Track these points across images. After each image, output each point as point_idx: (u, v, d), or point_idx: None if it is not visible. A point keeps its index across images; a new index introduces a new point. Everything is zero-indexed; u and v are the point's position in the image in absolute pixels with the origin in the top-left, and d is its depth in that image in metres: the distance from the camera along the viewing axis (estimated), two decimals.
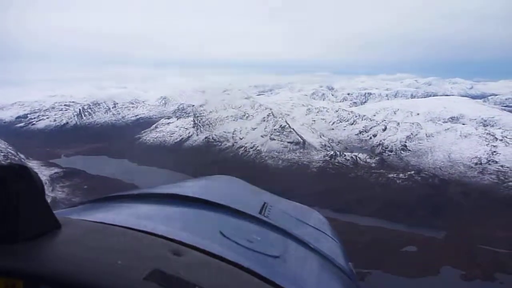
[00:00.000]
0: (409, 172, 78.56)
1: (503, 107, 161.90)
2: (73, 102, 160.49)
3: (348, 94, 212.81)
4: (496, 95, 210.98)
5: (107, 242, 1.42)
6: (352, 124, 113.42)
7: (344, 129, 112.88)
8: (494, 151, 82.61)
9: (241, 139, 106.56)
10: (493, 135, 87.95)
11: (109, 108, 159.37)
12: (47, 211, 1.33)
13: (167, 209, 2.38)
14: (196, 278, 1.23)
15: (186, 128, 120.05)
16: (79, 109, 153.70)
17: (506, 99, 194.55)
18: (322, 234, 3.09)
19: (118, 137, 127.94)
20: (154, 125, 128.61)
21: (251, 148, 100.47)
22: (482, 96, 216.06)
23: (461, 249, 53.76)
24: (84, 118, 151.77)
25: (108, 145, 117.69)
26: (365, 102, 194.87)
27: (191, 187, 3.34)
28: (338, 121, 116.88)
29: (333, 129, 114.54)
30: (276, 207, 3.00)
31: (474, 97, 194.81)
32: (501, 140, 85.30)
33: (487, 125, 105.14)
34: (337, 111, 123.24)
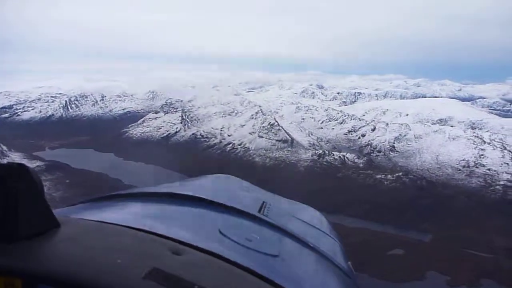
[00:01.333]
0: (397, 174, 78.07)
1: (491, 110, 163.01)
2: (60, 93, 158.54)
3: (338, 93, 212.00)
4: (484, 98, 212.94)
5: (106, 241, 1.43)
6: (341, 123, 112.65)
7: (333, 129, 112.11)
8: (482, 155, 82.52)
9: (229, 135, 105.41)
10: (481, 138, 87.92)
11: (97, 101, 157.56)
12: (46, 210, 1.34)
13: (166, 208, 2.38)
14: (195, 277, 1.23)
15: (173, 124, 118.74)
16: (66, 101, 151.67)
17: (494, 102, 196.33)
18: (322, 233, 3.07)
19: (104, 130, 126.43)
20: (141, 120, 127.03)
21: (239, 145, 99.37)
22: (470, 99, 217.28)
23: (447, 253, 53.29)
24: (71, 110, 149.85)
25: (94, 139, 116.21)
26: (354, 101, 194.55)
27: (190, 186, 3.36)
28: (327, 120, 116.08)
29: (322, 128, 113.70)
30: (275, 206, 2.98)
31: (462, 99, 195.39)
32: (489, 143, 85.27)
33: (475, 128, 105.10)
34: (326, 110, 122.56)
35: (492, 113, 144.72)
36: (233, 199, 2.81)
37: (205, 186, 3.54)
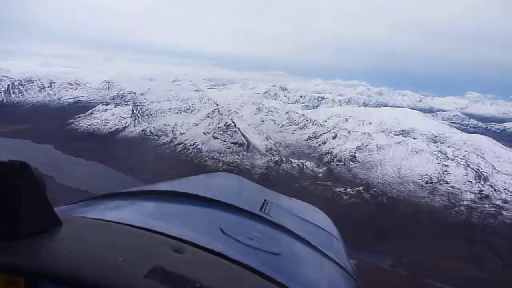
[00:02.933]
0: (357, 187, 72.67)
1: (450, 123, 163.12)
2: (6, 76, 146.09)
3: (301, 96, 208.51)
4: (444, 111, 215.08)
5: (107, 239, 1.43)
6: (302, 128, 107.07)
7: (293, 133, 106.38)
8: (446, 171, 78.63)
9: (181, 134, 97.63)
10: (444, 154, 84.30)
11: (44, 87, 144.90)
12: (48, 208, 1.33)
13: (167, 206, 2.40)
14: (197, 275, 1.24)
15: (123, 117, 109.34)
16: (8, 85, 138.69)
17: (453, 116, 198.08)
18: (323, 231, 3.04)
19: (48, 120, 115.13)
20: (90, 111, 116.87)
21: (191, 145, 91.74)
22: (430, 111, 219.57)
23: (407, 284, 47.98)
24: (13, 95, 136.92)
25: (34, 128, 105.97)
26: (317, 106, 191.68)
27: (191, 184, 3.30)
28: (288, 124, 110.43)
29: (281, 131, 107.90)
30: (277, 205, 2.98)
31: (422, 110, 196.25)
32: (453, 159, 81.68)
33: (437, 142, 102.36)
34: (287, 113, 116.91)
35: (452, 126, 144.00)
36: (235, 197, 2.78)
37: (206, 184, 3.52)
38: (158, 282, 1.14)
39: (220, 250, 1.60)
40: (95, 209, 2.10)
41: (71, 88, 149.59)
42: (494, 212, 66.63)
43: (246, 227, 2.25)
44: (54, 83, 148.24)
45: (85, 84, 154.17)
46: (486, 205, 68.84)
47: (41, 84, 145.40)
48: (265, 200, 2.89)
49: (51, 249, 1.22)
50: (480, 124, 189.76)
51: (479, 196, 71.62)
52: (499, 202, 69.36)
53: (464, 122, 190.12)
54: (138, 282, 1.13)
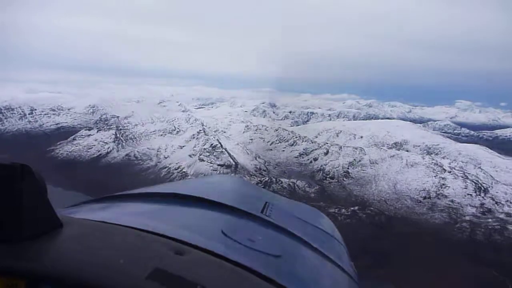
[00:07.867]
0: (352, 208, 68.52)
1: (442, 133, 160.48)
2: None
3: (290, 112, 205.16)
4: (435, 120, 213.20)
5: (108, 241, 1.43)
6: (292, 145, 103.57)
7: (283, 151, 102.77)
8: (443, 184, 74.96)
9: (165, 158, 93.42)
10: (440, 166, 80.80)
11: (25, 114, 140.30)
12: (49, 210, 1.33)
13: (169, 208, 2.41)
14: (198, 277, 1.24)
15: (105, 143, 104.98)
16: None
17: (444, 125, 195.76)
18: (324, 234, 3.04)
19: (28, 148, 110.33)
20: (72, 137, 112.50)
21: (176, 169, 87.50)
22: (421, 121, 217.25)
23: None
24: None
25: (12, 158, 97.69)
26: (307, 121, 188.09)
27: (193, 186, 3.39)
28: (277, 141, 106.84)
29: (271, 149, 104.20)
30: (278, 207, 2.99)
31: (413, 121, 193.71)
32: (450, 172, 78.16)
33: (431, 153, 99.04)
34: (276, 130, 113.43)
35: (444, 136, 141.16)
36: (236, 199, 2.78)
37: (207, 186, 3.55)
38: (159, 284, 1.13)
39: (221, 252, 1.59)
40: (96, 211, 2.12)
41: (53, 114, 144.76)
42: (498, 227, 62.50)
43: (247, 229, 2.23)
44: (36, 109, 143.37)
45: (69, 109, 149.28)
46: (490, 220, 64.86)
47: (22, 112, 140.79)
48: (266, 202, 2.85)
49: (52, 251, 1.22)
50: (472, 132, 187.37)
51: (481, 210, 67.70)
52: (502, 216, 65.48)
53: (455, 131, 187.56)
54: (139, 284, 1.13)
